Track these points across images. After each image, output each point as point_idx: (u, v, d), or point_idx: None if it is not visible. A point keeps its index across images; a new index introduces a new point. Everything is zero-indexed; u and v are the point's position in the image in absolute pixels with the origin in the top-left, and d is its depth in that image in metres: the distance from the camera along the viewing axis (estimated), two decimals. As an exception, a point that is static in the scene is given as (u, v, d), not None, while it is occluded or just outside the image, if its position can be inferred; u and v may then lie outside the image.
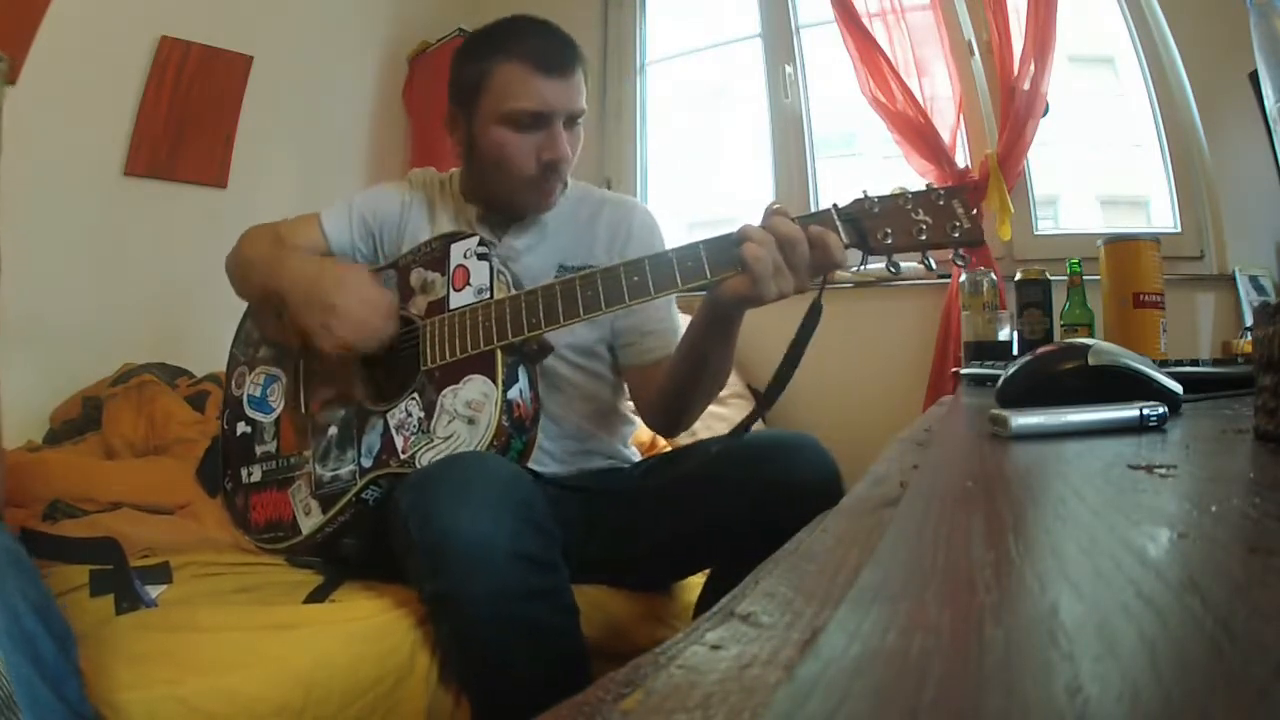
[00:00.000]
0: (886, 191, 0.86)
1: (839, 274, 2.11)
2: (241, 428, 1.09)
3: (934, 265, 0.86)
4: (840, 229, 0.84)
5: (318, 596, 0.93)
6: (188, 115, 2.03)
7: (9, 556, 0.60)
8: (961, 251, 0.85)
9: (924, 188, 0.87)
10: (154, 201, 1.99)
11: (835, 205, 0.86)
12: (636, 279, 0.86)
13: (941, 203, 0.85)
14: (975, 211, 0.86)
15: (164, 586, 0.91)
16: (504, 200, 1.09)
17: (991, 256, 2.02)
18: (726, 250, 0.84)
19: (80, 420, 1.61)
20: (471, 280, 0.96)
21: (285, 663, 0.79)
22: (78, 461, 1.35)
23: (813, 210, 0.88)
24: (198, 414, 1.54)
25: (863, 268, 0.90)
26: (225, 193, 2.12)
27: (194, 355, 1.82)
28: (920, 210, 0.85)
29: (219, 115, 2.11)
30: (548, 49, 1.00)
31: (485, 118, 1.02)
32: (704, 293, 0.90)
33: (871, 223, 0.84)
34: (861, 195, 0.86)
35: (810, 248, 0.82)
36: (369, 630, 0.86)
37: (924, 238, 0.84)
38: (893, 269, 0.85)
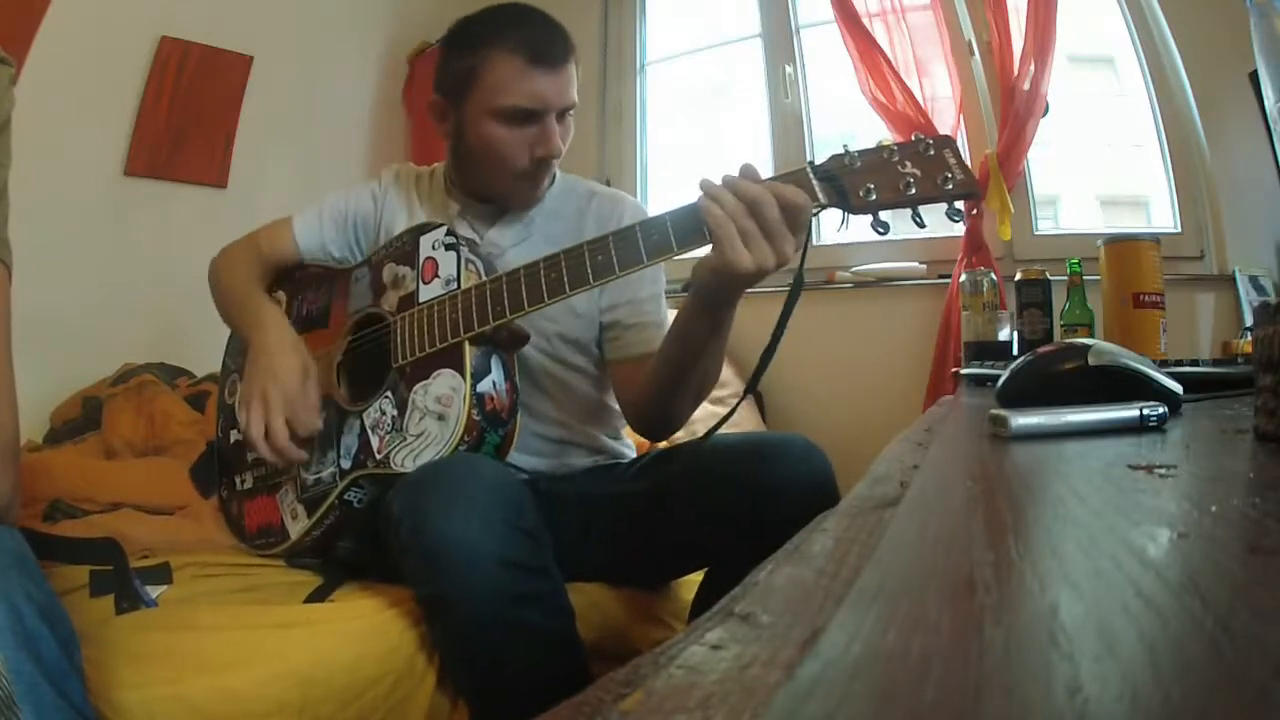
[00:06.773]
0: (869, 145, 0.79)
1: (839, 274, 2.14)
2: (235, 435, 1.09)
3: (924, 223, 0.79)
4: (816, 188, 0.78)
5: (318, 597, 0.92)
6: (188, 115, 2.03)
7: (13, 556, 0.60)
8: (958, 205, 0.79)
9: (911, 138, 0.80)
10: (154, 201, 1.99)
11: (811, 162, 0.80)
12: (601, 258, 0.82)
13: (931, 153, 0.78)
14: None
15: (164, 587, 0.91)
16: (493, 192, 1.07)
17: (991, 256, 2.02)
18: (692, 218, 0.79)
19: (80, 420, 1.61)
20: (440, 272, 0.94)
21: (285, 662, 0.79)
22: (78, 461, 1.35)
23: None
24: (197, 414, 1.54)
25: (844, 229, 0.82)
26: (225, 193, 2.12)
27: (194, 355, 1.82)
28: (908, 163, 0.77)
29: (219, 115, 2.11)
30: (541, 40, 0.97)
31: (476, 111, 0.99)
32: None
33: (852, 179, 0.78)
34: (842, 150, 0.80)
35: (780, 208, 0.76)
36: (368, 629, 0.85)
37: (913, 192, 0.77)
38: (880, 229, 0.78)
